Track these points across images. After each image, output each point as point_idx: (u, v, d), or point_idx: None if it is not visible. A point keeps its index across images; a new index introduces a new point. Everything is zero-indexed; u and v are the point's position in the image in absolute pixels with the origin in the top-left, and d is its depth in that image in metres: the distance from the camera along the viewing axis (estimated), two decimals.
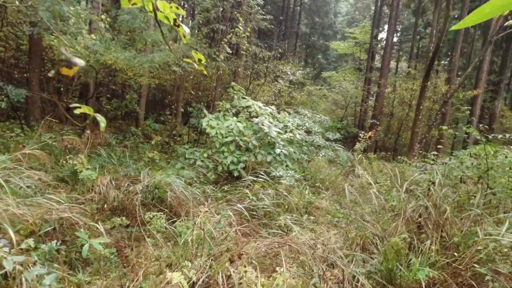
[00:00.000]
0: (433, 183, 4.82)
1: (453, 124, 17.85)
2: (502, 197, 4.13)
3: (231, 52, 10.20)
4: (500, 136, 5.07)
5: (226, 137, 6.76)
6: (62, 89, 9.38)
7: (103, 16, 7.19)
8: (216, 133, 6.74)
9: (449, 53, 20.66)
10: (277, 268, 3.13)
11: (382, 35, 26.70)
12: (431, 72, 11.09)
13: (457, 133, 5.78)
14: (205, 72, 2.19)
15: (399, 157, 13.78)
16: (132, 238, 4.13)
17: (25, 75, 9.67)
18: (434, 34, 14.29)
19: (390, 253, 3.83)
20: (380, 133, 16.65)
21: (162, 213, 4.52)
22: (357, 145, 12.26)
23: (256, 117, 7.53)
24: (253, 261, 3.29)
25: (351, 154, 13.68)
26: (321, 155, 7.68)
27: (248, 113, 7.71)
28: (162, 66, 7.70)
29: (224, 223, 4.32)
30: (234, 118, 7.24)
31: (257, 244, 3.78)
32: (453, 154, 7.57)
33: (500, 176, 4.38)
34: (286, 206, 5.34)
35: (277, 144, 6.90)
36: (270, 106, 8.17)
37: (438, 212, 4.35)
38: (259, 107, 7.73)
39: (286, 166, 6.78)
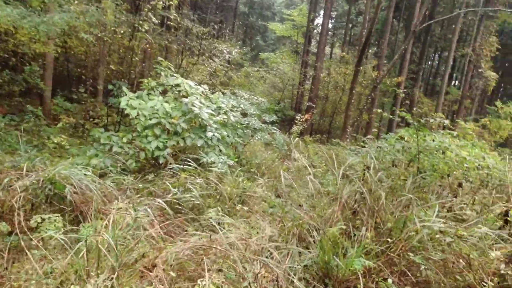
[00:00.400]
0: (368, 167, 4.72)
1: (379, 108, 19.21)
2: (431, 180, 4.16)
3: (158, 22, 9.01)
4: (424, 120, 5.21)
5: (150, 119, 5.87)
6: None
7: None
8: (138, 115, 5.80)
9: (377, 42, 21.93)
10: (199, 280, 2.58)
11: (318, 20, 27.22)
12: (363, 57, 11.42)
13: (391, 116, 5.81)
14: (126, 43, 1.40)
15: (333, 139, 14.26)
16: (13, 250, 3.17)
17: None
18: (366, 22, 14.79)
19: (327, 245, 3.57)
20: (315, 116, 17.04)
21: (59, 214, 3.60)
22: (294, 128, 12.22)
23: (186, 97, 6.72)
24: (171, 272, 2.68)
25: (288, 137, 13.70)
26: (256, 138, 7.26)
27: (177, 92, 6.85)
28: (68, 32, 6.34)
29: (141, 222, 3.60)
30: (160, 97, 6.34)
31: (179, 246, 3.17)
32: (382, 137, 7.81)
33: (428, 160, 4.42)
34: (218, 197, 4.79)
35: (209, 127, 6.24)
36: (202, 86, 7.40)
37: (373, 198, 4.25)
38: (190, 86, 6.92)
39: (220, 151, 6.20)
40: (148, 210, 3.73)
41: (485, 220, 3.93)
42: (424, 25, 13.26)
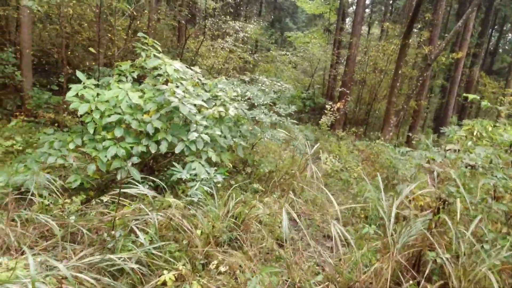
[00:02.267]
0: (444, 202, 2.61)
1: (428, 93, 16.14)
2: None
3: None
4: None
5: (109, 116, 4.15)
6: None
7: None
8: (90, 110, 4.11)
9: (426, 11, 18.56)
10: None
11: None
12: (413, 27, 8.87)
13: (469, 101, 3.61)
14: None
15: (371, 133, 11.87)
16: None
17: None
18: None
19: None
20: (350, 104, 14.59)
21: None
22: (323, 119, 10.06)
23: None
24: None
25: (317, 128, 11.51)
26: (266, 137, 5.33)
27: (157, 78, 5.09)
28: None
29: None
30: (127, 85, 4.60)
31: None
32: (441, 131, 5.52)
33: None
34: (187, 242, 2.98)
35: (193, 125, 4.41)
36: (194, 69, 5.58)
37: (462, 268, 2.22)
38: (174, 69, 5.11)
39: (207, 159, 4.37)
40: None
41: None
42: None
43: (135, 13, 6.48)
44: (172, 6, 10.59)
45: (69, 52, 8.75)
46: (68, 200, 3.67)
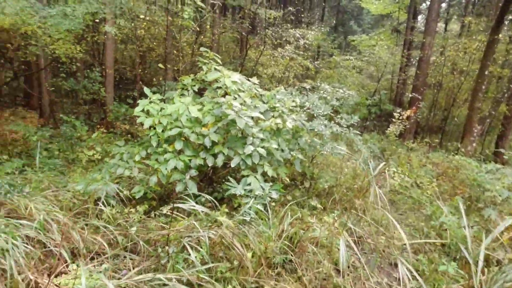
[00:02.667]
0: None
1: None
2: None
3: (211, 8, 7.54)
4: None
5: (170, 129, 4.34)
6: None
7: None
8: (155, 124, 4.34)
9: None
10: None
11: None
12: (503, 21, 7.63)
13: None
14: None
15: (449, 143, 10.53)
16: None
17: None
18: None
19: None
20: (422, 111, 13.23)
21: None
22: (391, 128, 9.27)
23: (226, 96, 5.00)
24: None
25: (384, 138, 10.66)
26: (325, 150, 5.01)
27: (215, 91, 5.20)
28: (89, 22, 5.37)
29: None
30: (187, 98, 4.76)
31: None
32: None
33: None
34: (238, 263, 2.89)
35: (250, 138, 4.36)
36: (252, 80, 5.57)
37: None
38: (232, 81, 5.16)
39: (263, 172, 4.26)
40: None
41: None
42: None
43: (198, 28, 6.78)
44: (234, 19, 10.92)
45: (143, 69, 9.60)
46: (132, 210, 3.90)
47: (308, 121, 5.51)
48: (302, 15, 11.71)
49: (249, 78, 5.72)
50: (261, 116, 4.80)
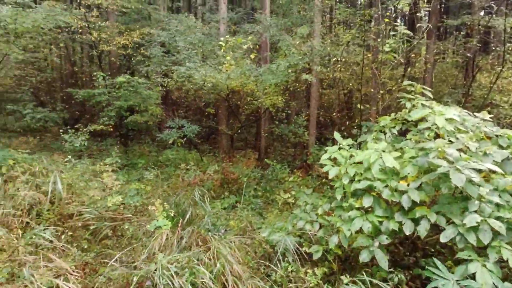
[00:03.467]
0: None
1: None
2: None
3: (421, 33, 6.37)
4: None
5: (358, 181, 3.66)
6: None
7: None
8: (341, 174, 3.82)
9: None
10: None
11: None
12: None
13: None
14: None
15: None
16: None
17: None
18: None
19: None
20: None
21: None
22: None
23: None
24: None
25: None
26: None
27: (421, 132, 4.08)
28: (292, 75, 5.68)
29: None
30: (383, 143, 3.93)
31: None
32: None
33: None
34: None
35: (474, 202, 2.95)
36: (479, 115, 4.00)
37: None
38: (447, 118, 3.89)
39: (499, 259, 2.70)
40: None
41: None
42: None
43: (402, 60, 5.85)
44: (456, 39, 8.95)
45: (348, 111, 9.48)
46: (309, 271, 3.46)
47: None
48: None
49: (476, 113, 4.17)
50: (497, 169, 3.23)
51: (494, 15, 8.14)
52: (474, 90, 9.45)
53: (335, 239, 3.48)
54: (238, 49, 6.49)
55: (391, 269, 3.26)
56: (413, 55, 7.86)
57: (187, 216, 4.57)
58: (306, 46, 5.71)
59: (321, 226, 3.87)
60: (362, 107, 6.92)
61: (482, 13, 9.46)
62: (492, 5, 7.97)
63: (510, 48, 6.85)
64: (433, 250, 4.20)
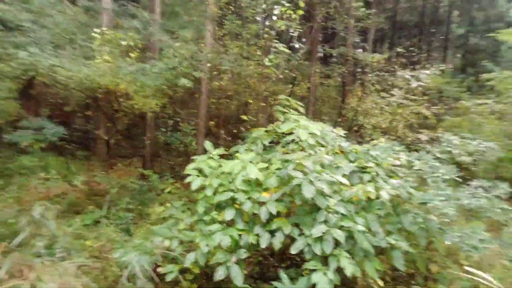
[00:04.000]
0: None
1: None
2: None
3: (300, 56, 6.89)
4: None
5: (222, 193, 3.47)
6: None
7: None
8: (204, 186, 3.58)
9: None
10: None
11: None
12: None
13: None
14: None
15: None
16: None
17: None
18: None
19: None
20: None
21: None
22: None
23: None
24: None
25: None
26: (448, 239, 3.18)
27: (287, 143, 4.21)
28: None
29: None
30: (251, 154, 3.89)
31: None
32: None
33: None
34: None
35: (322, 213, 3.07)
36: (335, 130, 4.37)
37: None
38: (310, 132, 4.09)
39: (338, 268, 2.83)
40: None
41: None
42: None
43: (281, 76, 6.14)
44: (335, 66, 10.11)
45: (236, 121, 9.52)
46: None
47: (421, 188, 3.83)
48: (415, 55, 9.95)
49: (334, 129, 4.54)
50: (345, 181, 3.48)
51: (361, 50, 9.47)
52: (348, 112, 10.81)
53: (191, 256, 3.17)
54: (118, 46, 5.79)
55: (251, 284, 3.14)
56: (297, 75, 8.50)
57: (19, 239, 3.62)
58: (187, 50, 5.44)
59: (181, 242, 3.51)
60: (247, 118, 7.00)
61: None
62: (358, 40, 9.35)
63: (369, 78, 8.04)
64: (298, 260, 4.30)
